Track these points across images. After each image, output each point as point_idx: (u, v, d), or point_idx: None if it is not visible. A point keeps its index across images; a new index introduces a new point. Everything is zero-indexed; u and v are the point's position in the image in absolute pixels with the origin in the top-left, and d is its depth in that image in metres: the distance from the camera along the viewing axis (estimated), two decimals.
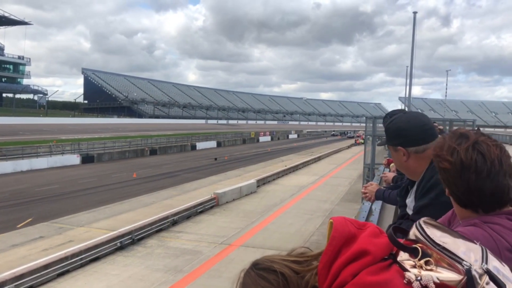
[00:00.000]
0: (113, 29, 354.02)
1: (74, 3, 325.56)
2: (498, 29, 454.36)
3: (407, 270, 0.76)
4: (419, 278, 0.72)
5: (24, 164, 31.53)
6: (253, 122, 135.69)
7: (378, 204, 5.13)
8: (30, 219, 17.89)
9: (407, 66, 40.00)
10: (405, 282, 0.75)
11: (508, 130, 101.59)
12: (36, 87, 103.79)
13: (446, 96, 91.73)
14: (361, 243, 0.82)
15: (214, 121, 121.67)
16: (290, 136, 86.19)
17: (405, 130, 1.81)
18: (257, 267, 0.88)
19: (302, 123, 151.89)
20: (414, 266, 0.74)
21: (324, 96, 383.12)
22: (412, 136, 1.78)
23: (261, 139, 72.58)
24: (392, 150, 1.88)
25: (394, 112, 3.08)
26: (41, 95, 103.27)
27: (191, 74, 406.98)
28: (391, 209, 5.44)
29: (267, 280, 0.85)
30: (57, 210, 19.67)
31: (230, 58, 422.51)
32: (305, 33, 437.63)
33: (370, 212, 4.98)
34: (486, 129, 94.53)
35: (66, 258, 12.85)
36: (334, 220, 0.86)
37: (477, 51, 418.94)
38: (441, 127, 10.56)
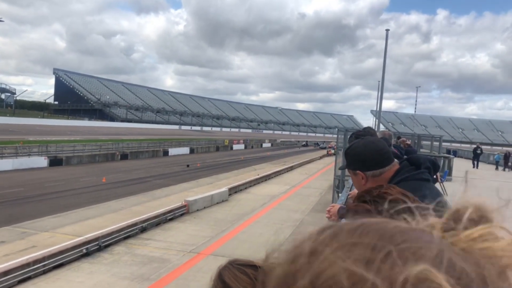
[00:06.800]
0: (90, 29, 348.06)
1: (51, 0, 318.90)
2: (474, 48, 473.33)
3: None
4: None
5: None
6: (228, 129, 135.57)
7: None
8: None
9: (378, 81, 41.08)
10: None
11: (473, 145, 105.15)
12: (3, 86, 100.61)
13: (415, 111, 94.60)
14: None
15: (188, 127, 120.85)
16: (264, 145, 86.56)
17: (362, 155, 1.95)
18: (236, 262, 0.88)
19: (276, 132, 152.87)
20: None
21: (301, 106, 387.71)
22: (369, 161, 1.92)
23: (235, 147, 72.57)
24: (352, 174, 2.02)
25: (359, 133, 3.19)
26: (9, 94, 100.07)
27: (169, 79, 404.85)
28: None
29: (246, 274, 0.84)
30: (20, 214, 18.99)
31: (210, 64, 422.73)
32: (286, 43, 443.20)
33: None
34: (453, 144, 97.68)
35: (28, 265, 12.40)
36: None
37: (452, 68, 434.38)
38: (408, 141, 10.88)
